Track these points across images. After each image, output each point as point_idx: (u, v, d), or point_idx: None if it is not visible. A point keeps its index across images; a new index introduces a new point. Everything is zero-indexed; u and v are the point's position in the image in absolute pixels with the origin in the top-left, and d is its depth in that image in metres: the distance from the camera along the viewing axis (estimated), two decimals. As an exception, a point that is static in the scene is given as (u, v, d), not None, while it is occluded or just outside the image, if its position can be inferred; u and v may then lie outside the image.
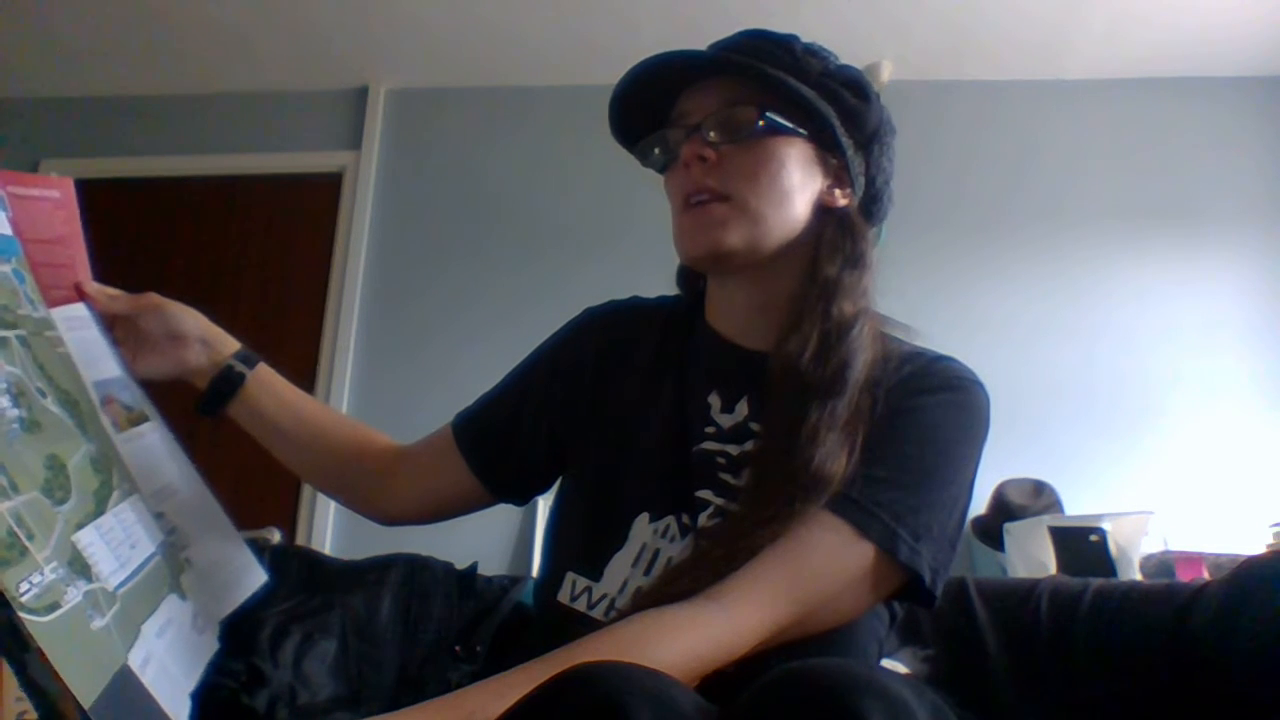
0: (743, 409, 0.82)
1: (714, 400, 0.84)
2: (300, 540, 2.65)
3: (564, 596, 0.81)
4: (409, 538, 1.98)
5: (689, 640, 0.63)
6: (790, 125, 0.81)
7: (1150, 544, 2.07)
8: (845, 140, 0.83)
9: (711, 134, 0.81)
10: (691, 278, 0.94)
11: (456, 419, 0.99)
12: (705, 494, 0.80)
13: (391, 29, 2.96)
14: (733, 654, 0.65)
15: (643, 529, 0.80)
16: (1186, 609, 1.13)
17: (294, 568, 1.64)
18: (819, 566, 0.69)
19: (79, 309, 0.85)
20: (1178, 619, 1.12)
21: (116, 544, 0.65)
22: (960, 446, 0.78)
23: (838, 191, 0.85)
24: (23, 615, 0.51)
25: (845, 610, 0.72)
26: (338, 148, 3.15)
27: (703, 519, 0.79)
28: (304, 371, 2.89)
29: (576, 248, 2.93)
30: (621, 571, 0.79)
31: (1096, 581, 1.27)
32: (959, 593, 1.31)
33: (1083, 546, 2.07)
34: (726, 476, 0.80)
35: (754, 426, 0.81)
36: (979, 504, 2.44)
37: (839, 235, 0.83)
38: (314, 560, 1.74)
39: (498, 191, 3.07)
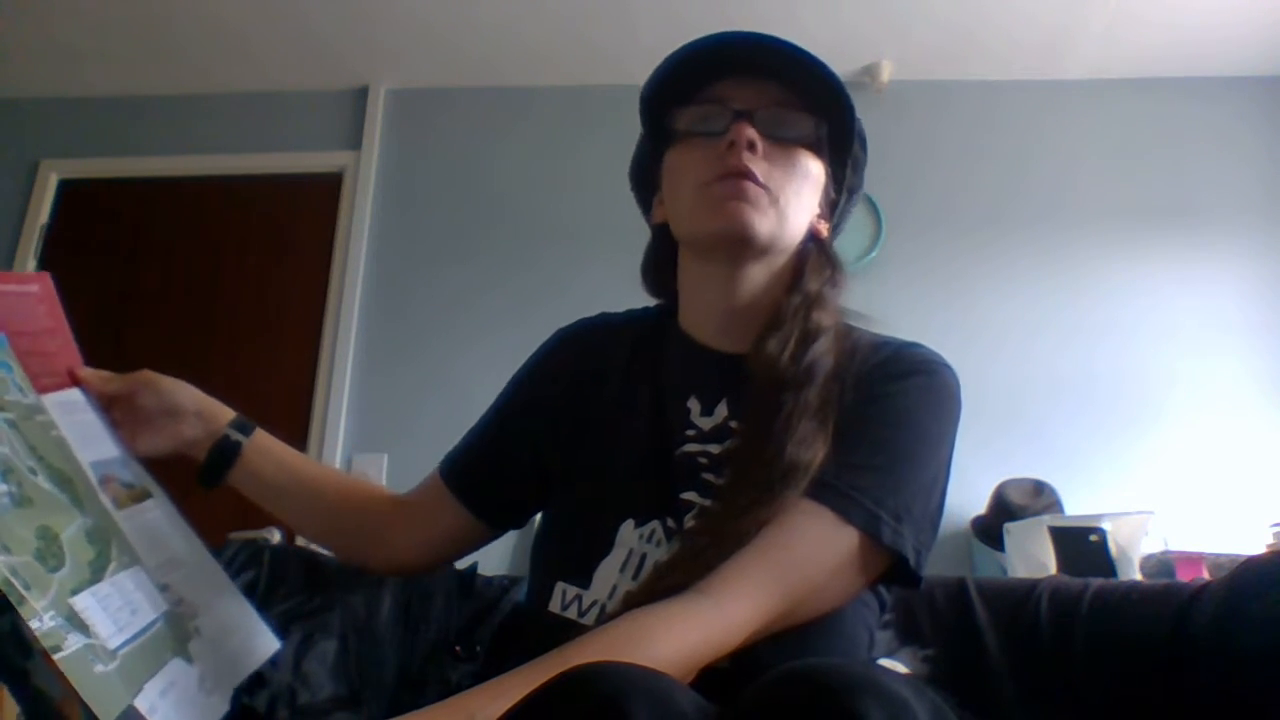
0: (722, 410, 0.83)
1: (693, 405, 0.85)
2: (300, 540, 2.65)
3: (554, 606, 0.82)
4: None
5: (682, 636, 0.63)
6: (827, 150, 0.87)
7: (1150, 544, 2.07)
8: (847, 183, 0.91)
9: (767, 127, 0.83)
10: (662, 281, 0.95)
11: (443, 464, 1.00)
12: (689, 495, 0.80)
13: (391, 29, 2.96)
14: (725, 647, 0.66)
15: (628, 535, 0.81)
16: (1186, 609, 1.13)
17: (294, 568, 1.64)
18: (805, 555, 0.70)
19: (73, 394, 0.87)
20: (1178, 619, 1.12)
21: (115, 610, 0.66)
22: (934, 428, 0.80)
23: (823, 223, 0.90)
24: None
25: (833, 596, 0.73)
26: (338, 148, 3.15)
27: (688, 520, 0.79)
28: (304, 372, 2.90)
29: (577, 247, 2.93)
30: (610, 577, 0.80)
31: (1096, 581, 1.27)
32: (959, 593, 1.31)
33: (1083, 546, 2.07)
34: (709, 476, 0.80)
35: (734, 425, 0.82)
36: (979, 504, 2.44)
37: (822, 259, 0.88)
38: (314, 560, 1.74)
39: (498, 191, 3.07)
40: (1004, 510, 2.33)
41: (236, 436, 0.94)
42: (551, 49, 3.00)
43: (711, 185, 0.82)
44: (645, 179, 0.96)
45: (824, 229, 0.90)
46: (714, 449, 0.81)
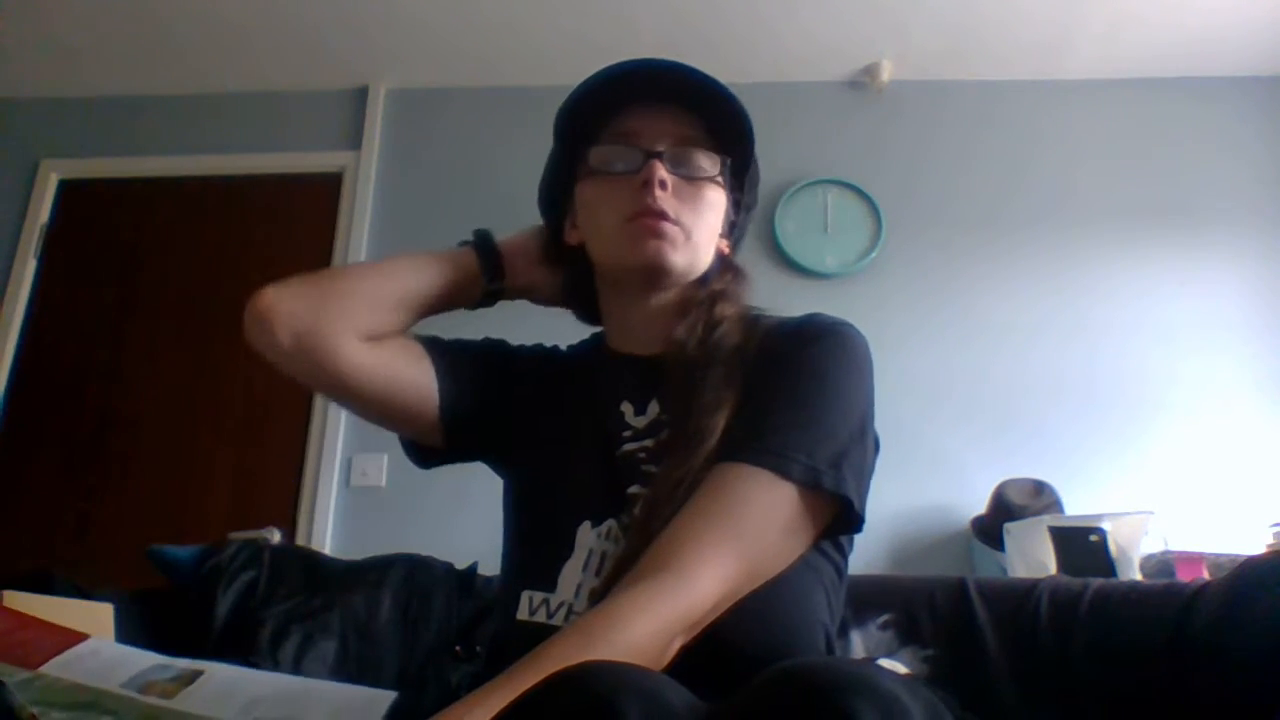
0: (654, 408, 0.89)
1: (626, 408, 0.90)
2: (300, 540, 2.65)
3: (523, 614, 0.84)
4: (409, 538, 1.97)
5: (653, 614, 0.66)
6: (732, 183, 0.93)
7: (1150, 544, 2.07)
8: (745, 201, 0.98)
9: (676, 165, 0.89)
10: (583, 301, 1.00)
11: (423, 336, 0.99)
12: (635, 489, 0.84)
13: (391, 29, 2.96)
14: (694, 617, 0.68)
15: (587, 537, 0.84)
16: (1186, 609, 1.13)
17: (294, 568, 1.64)
18: (754, 517, 0.74)
19: (80, 649, 0.93)
20: (1178, 619, 1.13)
21: None
22: (849, 381, 0.84)
23: (724, 241, 0.97)
24: None
25: (789, 552, 0.77)
26: (338, 148, 3.15)
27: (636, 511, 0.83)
28: (304, 371, 2.89)
29: (576, 248, 2.94)
30: (574, 578, 0.83)
31: (1096, 581, 1.27)
32: (959, 593, 1.31)
33: (1083, 546, 2.07)
34: (650, 467, 0.85)
35: (665, 419, 0.87)
36: (979, 504, 2.44)
37: (725, 268, 0.96)
38: (314, 560, 1.74)
39: (498, 192, 3.05)
40: (1004, 510, 2.33)
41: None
42: (551, 49, 3.00)
43: (632, 221, 0.88)
44: (555, 201, 1.04)
45: (725, 246, 0.97)
46: (650, 443, 0.87)
